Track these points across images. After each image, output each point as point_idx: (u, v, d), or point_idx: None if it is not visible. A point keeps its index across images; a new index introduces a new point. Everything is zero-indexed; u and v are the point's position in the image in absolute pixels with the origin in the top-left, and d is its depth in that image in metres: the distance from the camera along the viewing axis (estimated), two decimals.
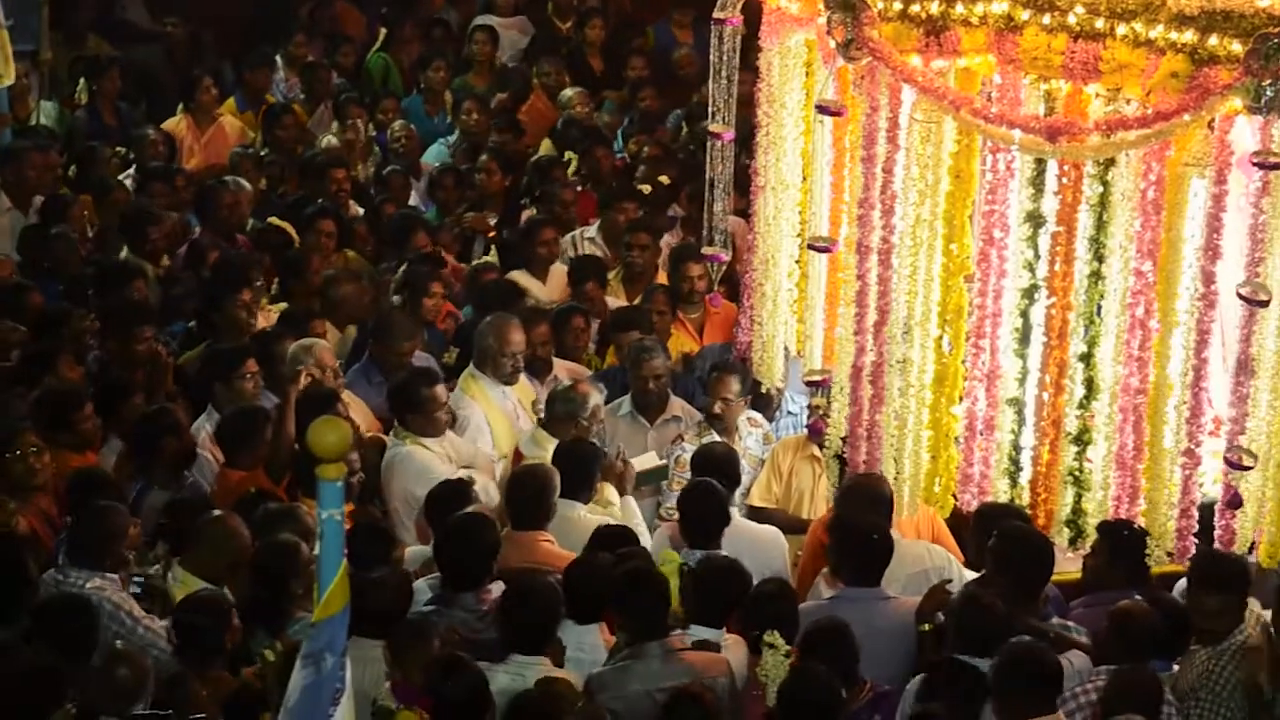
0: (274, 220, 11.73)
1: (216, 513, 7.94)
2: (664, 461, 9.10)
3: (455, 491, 8.19)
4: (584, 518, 8.31)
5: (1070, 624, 7.54)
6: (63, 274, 10.81)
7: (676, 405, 9.67)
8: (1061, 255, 8.43)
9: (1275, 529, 8.15)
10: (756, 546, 8.27)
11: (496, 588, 7.50)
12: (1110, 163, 8.21)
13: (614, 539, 7.84)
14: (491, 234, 12.12)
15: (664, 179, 12.28)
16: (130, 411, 9.04)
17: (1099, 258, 8.35)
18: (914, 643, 7.57)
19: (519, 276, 11.07)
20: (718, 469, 8.45)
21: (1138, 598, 7.51)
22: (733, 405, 9.30)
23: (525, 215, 12.13)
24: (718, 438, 9.20)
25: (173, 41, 15.09)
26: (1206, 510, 8.21)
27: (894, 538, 7.97)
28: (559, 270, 11.25)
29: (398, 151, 13.04)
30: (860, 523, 7.84)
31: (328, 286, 10.58)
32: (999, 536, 7.67)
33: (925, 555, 8.19)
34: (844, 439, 8.95)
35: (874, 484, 8.35)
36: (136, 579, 7.69)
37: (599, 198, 12.16)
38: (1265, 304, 7.85)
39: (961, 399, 8.72)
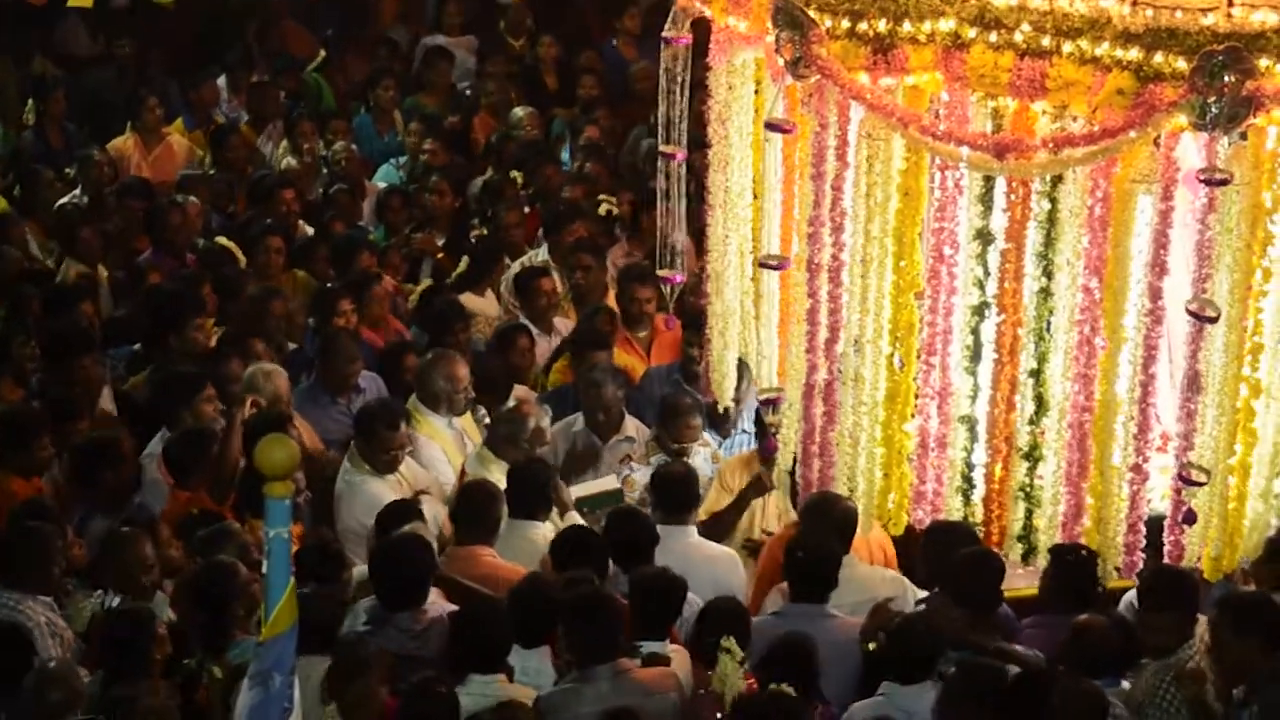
0: (221, 240, 11.68)
1: (124, 530, 7.89)
2: (618, 486, 9.09)
3: (404, 513, 8.16)
4: (544, 537, 8.29)
5: (1018, 647, 7.54)
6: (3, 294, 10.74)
7: (630, 425, 9.65)
8: (1011, 272, 8.46)
9: (1221, 543, 8.19)
10: (713, 565, 8.26)
11: (434, 609, 7.49)
12: (1058, 179, 8.25)
13: (572, 546, 7.82)
14: (440, 255, 12.09)
15: (609, 204, 12.31)
16: (75, 435, 8.95)
17: (1047, 274, 8.39)
18: (857, 662, 7.58)
19: (468, 299, 11.06)
20: (679, 489, 8.45)
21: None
22: (684, 444, 9.30)
23: (474, 234, 12.14)
24: (666, 458, 9.20)
25: (121, 62, 15.02)
26: (1154, 526, 8.24)
27: (850, 560, 7.99)
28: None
29: (338, 173, 13.01)
30: (813, 539, 7.85)
31: (257, 305, 10.53)
32: (955, 557, 7.71)
33: (880, 582, 8.15)
34: (795, 457, 8.95)
35: (837, 503, 8.34)
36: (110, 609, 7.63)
37: (544, 217, 12.14)
38: (1214, 320, 7.89)
39: (913, 416, 8.74)
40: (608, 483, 9.05)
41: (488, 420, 9.59)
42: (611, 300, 11.06)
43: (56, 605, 7.59)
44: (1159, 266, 7.95)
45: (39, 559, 7.56)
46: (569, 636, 7.18)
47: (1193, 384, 7.98)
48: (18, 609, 7.39)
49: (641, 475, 9.20)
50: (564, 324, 10.93)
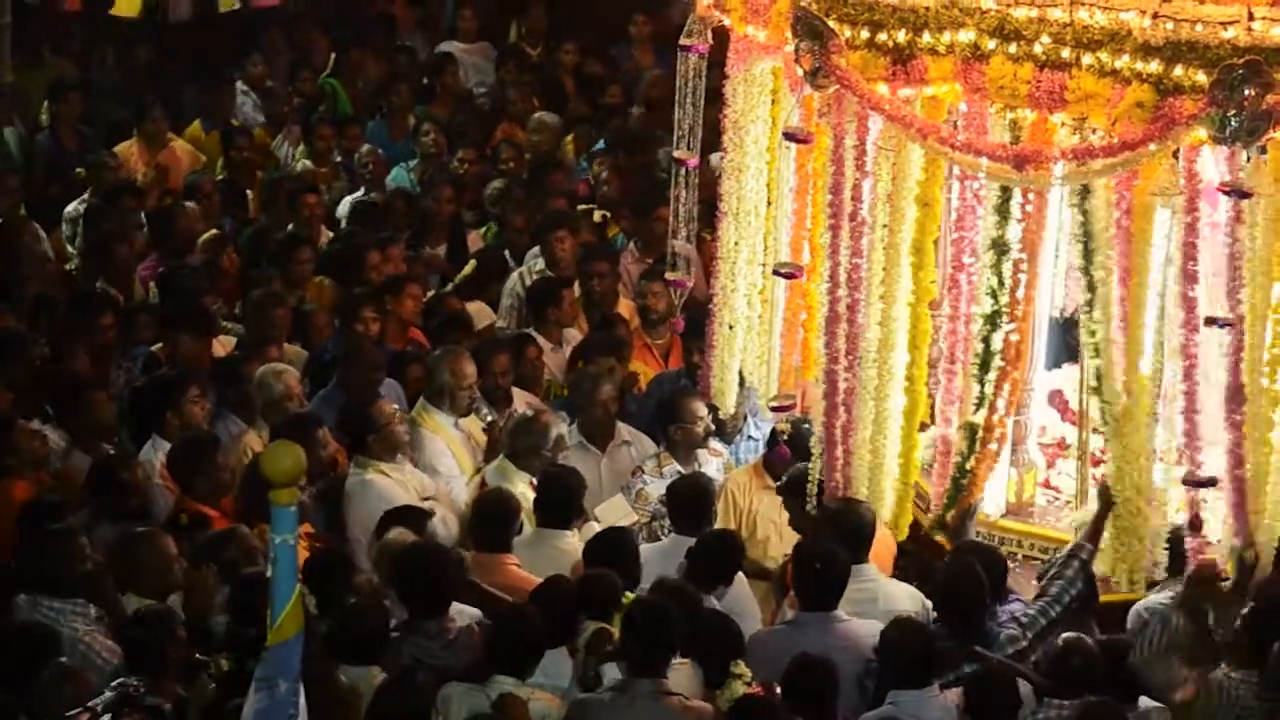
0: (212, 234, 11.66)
1: (141, 531, 7.89)
2: (636, 516, 9.04)
3: (409, 519, 8.16)
4: (573, 546, 8.30)
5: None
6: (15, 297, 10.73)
7: (624, 430, 9.65)
8: (1026, 282, 8.40)
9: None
10: None
11: (461, 617, 7.48)
12: (1086, 190, 8.19)
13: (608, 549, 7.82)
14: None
15: (602, 213, 12.29)
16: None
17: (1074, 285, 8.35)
18: (861, 666, 7.52)
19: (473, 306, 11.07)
20: (695, 502, 8.45)
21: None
22: (699, 428, 9.24)
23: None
24: (679, 467, 9.15)
25: (137, 67, 15.02)
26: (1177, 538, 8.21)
27: (874, 573, 7.98)
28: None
29: (365, 177, 12.97)
30: (814, 548, 7.82)
31: (264, 310, 10.49)
32: (944, 569, 7.76)
33: (903, 598, 8.06)
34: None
35: (857, 511, 8.26)
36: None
37: (541, 223, 12.06)
38: (1232, 325, 7.83)
39: (925, 426, 8.68)
40: (619, 508, 8.97)
41: (489, 418, 9.56)
42: (623, 307, 11.02)
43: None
44: (1189, 277, 7.83)
45: (66, 562, 7.52)
46: (624, 642, 7.15)
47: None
48: (59, 621, 7.34)
49: (655, 488, 9.17)
50: (573, 334, 10.88)
